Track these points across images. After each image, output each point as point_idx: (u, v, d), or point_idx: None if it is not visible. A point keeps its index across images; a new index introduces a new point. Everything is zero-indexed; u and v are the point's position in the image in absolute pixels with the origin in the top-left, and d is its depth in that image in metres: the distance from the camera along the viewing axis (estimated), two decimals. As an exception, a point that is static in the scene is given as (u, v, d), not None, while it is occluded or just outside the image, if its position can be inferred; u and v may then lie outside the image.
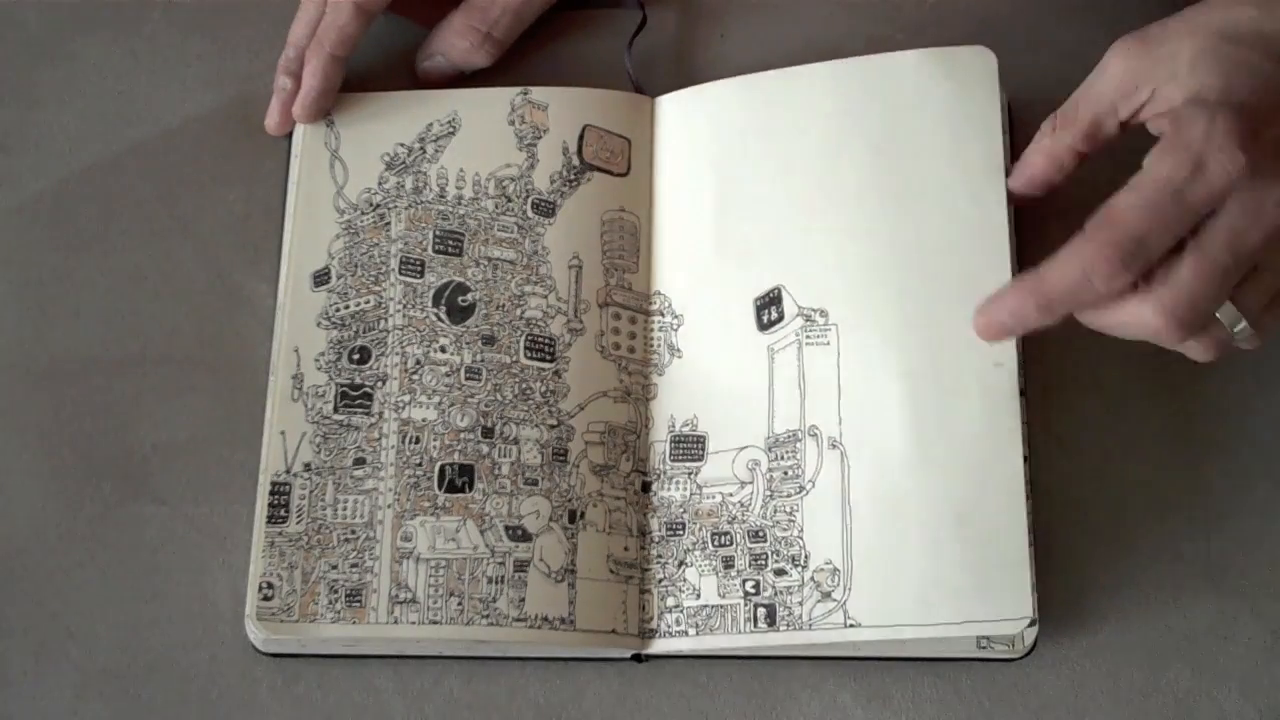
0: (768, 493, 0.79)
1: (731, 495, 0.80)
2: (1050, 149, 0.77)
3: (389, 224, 0.84)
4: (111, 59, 0.88)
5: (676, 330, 0.84)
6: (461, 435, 0.81)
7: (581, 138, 0.86)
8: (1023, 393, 0.80)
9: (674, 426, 0.82)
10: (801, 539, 0.78)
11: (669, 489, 0.81)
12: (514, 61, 0.89)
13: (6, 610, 0.78)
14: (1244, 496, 0.81)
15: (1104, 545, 0.80)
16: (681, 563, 0.80)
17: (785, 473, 0.79)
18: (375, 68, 0.88)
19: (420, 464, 0.80)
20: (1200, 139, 0.66)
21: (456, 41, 0.87)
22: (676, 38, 0.90)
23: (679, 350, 0.83)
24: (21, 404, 0.82)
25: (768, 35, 0.89)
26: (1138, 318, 0.69)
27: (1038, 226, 0.81)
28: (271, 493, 0.79)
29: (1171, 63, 0.71)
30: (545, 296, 0.84)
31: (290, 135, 0.86)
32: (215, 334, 0.83)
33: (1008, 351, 0.77)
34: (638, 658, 0.79)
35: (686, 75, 0.88)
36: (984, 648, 0.77)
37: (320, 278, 0.83)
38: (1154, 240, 0.67)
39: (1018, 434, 0.76)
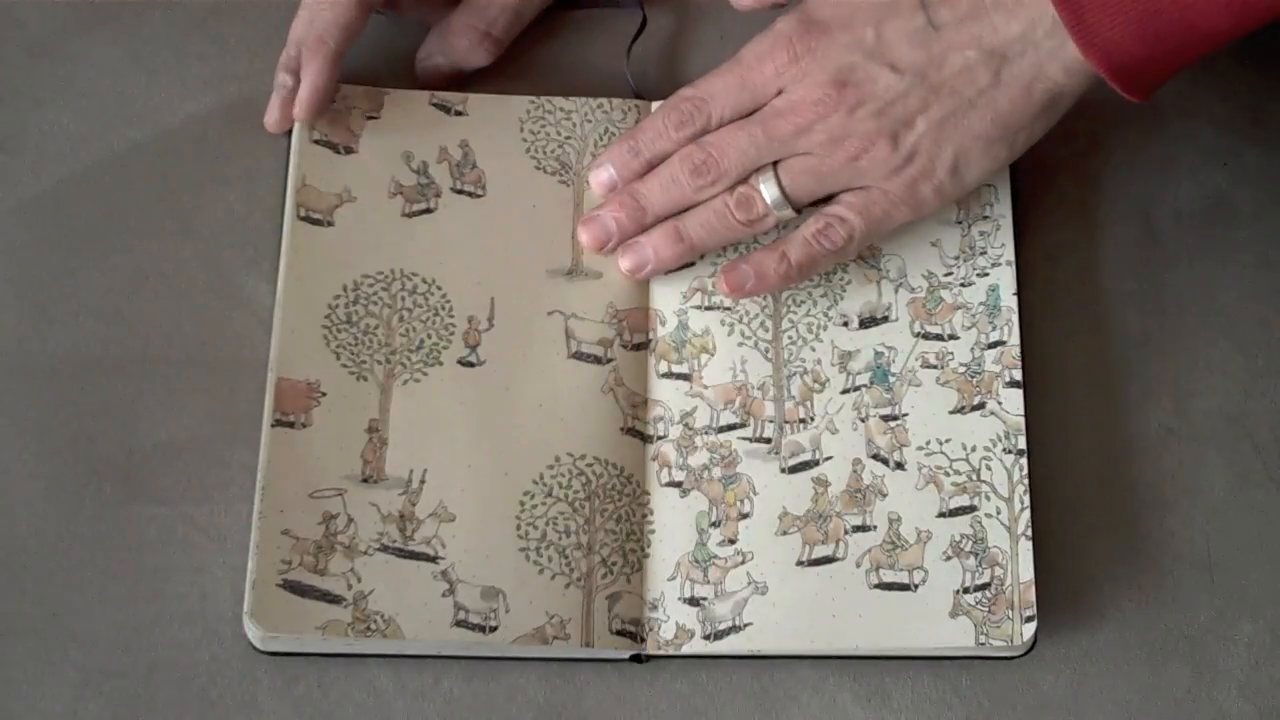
0: None
1: None
2: None
3: (389, 221, 0.84)
4: (111, 59, 0.88)
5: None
6: (461, 434, 0.81)
7: (581, 142, 0.86)
8: (1022, 387, 0.80)
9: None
10: None
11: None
12: (514, 62, 0.89)
13: (6, 610, 0.78)
14: (1244, 496, 0.81)
15: (1104, 545, 0.80)
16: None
17: None
18: (375, 68, 0.88)
19: (420, 463, 0.80)
20: (769, 42, 0.80)
21: (456, 40, 0.87)
22: (676, 40, 0.90)
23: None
24: (21, 404, 0.82)
25: (768, 36, 0.89)
26: (670, 167, 0.82)
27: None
28: (270, 491, 0.79)
29: None
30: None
31: (290, 133, 0.86)
32: (215, 334, 0.83)
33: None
34: (638, 658, 0.78)
35: (686, 78, 0.88)
36: (983, 645, 0.77)
37: (319, 275, 0.83)
38: (714, 107, 0.81)
39: None
